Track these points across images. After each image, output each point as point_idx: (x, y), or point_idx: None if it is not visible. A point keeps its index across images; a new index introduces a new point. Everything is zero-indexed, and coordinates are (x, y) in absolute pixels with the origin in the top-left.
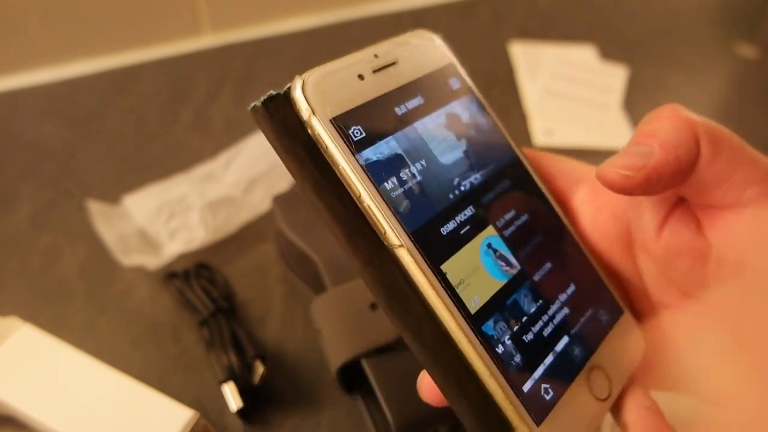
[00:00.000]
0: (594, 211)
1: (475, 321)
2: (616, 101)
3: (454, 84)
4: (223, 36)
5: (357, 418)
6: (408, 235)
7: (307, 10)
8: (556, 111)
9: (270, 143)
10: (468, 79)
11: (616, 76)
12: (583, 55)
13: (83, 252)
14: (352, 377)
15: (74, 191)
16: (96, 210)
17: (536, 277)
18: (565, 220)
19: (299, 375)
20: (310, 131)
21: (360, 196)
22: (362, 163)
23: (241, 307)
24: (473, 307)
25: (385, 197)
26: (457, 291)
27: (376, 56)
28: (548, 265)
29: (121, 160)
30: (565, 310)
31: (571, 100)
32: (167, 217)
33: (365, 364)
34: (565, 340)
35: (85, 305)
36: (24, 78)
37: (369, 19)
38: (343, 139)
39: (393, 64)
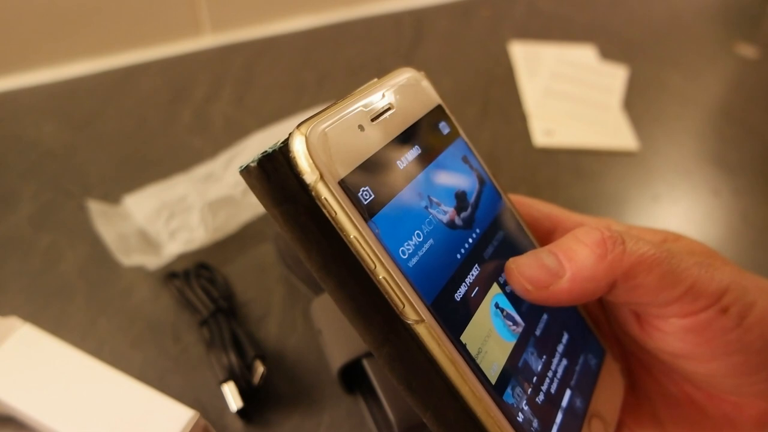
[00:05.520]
0: None
1: (496, 392)
2: (616, 101)
3: (444, 129)
4: (223, 36)
5: (357, 418)
6: (428, 309)
7: (307, 10)
8: (556, 111)
9: (268, 211)
10: (455, 122)
11: (616, 76)
12: (583, 55)
13: (83, 252)
14: (352, 377)
15: (74, 191)
16: (96, 210)
17: (537, 332)
18: None
19: (299, 375)
20: (314, 195)
21: (375, 268)
22: (376, 231)
23: (241, 307)
24: (493, 376)
25: (402, 268)
26: (478, 362)
27: (371, 102)
28: (545, 316)
29: (121, 160)
30: (564, 362)
31: (571, 100)
32: (167, 217)
33: (366, 364)
34: (568, 393)
35: (85, 305)
36: (24, 78)
37: (369, 19)
38: (354, 204)
39: (389, 109)
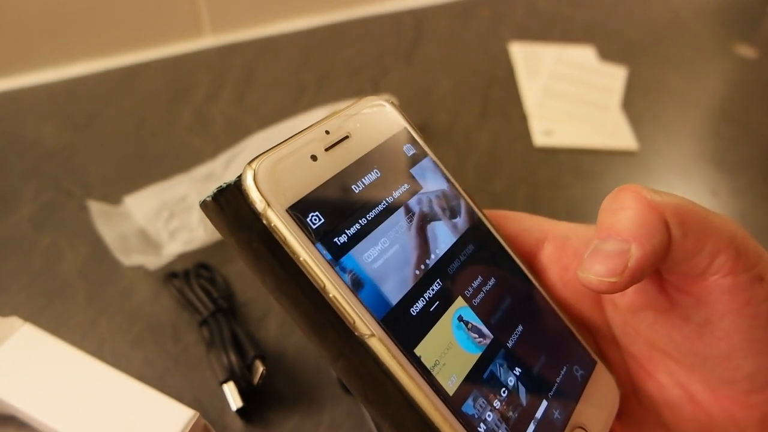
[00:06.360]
0: (561, 269)
1: (454, 403)
2: (616, 101)
3: (409, 151)
4: (223, 36)
5: (357, 418)
6: (378, 323)
7: (307, 10)
8: (556, 111)
9: (224, 238)
10: (422, 143)
11: (615, 77)
12: (583, 56)
13: (83, 252)
14: None
15: (74, 191)
16: (96, 210)
17: (510, 344)
18: (531, 278)
19: (299, 375)
20: (265, 223)
21: (324, 287)
22: (323, 252)
23: (241, 307)
24: (451, 388)
25: (351, 285)
26: (433, 374)
27: (327, 132)
28: (520, 328)
29: (121, 160)
30: (542, 373)
31: (571, 100)
32: (167, 217)
33: None
34: (544, 404)
35: (86, 305)
36: (24, 78)
37: (369, 19)
38: (301, 228)
39: (345, 138)
